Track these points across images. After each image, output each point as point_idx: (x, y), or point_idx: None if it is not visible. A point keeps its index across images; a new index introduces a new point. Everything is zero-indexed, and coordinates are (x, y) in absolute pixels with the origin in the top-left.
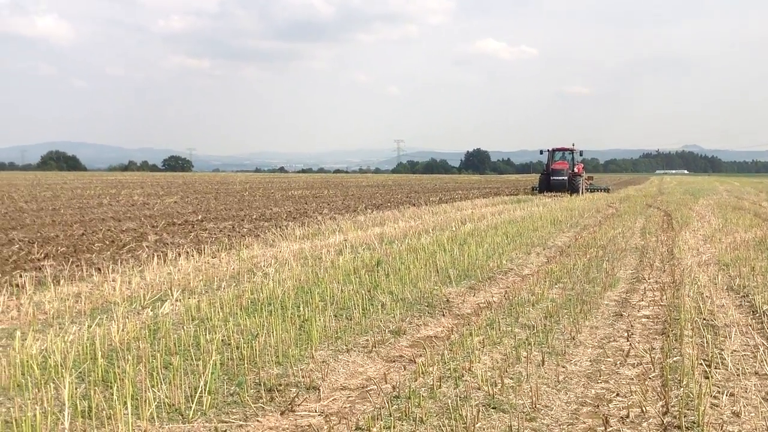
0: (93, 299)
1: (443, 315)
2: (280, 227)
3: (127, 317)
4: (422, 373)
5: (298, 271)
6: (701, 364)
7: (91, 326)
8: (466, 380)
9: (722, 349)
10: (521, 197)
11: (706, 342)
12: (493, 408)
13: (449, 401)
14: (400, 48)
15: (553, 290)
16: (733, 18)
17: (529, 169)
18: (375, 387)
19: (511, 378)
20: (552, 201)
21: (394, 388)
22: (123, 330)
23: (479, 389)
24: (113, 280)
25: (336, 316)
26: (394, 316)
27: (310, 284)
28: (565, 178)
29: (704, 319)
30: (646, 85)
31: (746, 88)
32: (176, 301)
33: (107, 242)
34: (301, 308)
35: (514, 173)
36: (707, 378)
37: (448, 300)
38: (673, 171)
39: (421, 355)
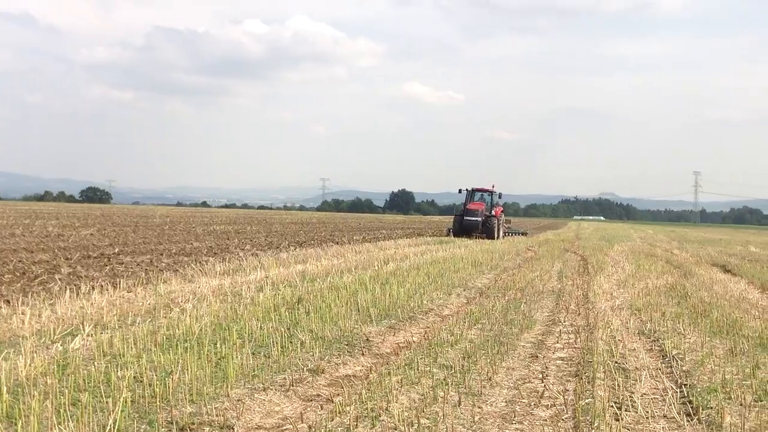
0: (0, 332)
1: (363, 354)
2: (200, 262)
3: (36, 351)
4: (339, 412)
5: (216, 307)
6: (612, 406)
7: None
8: (383, 420)
9: (632, 392)
10: (444, 238)
11: (618, 385)
12: None
13: None
14: (328, 88)
15: (471, 331)
16: (647, 75)
17: (452, 210)
18: (291, 426)
19: (428, 418)
20: (474, 243)
21: (310, 427)
22: (30, 365)
23: (395, 429)
24: (22, 313)
25: (254, 354)
26: (313, 355)
27: (229, 321)
28: (479, 219)
29: (616, 362)
30: (566, 133)
31: (659, 140)
32: (88, 336)
33: (18, 274)
34: (219, 345)
35: (437, 214)
36: (618, 420)
37: (368, 339)
38: (591, 217)
39: (338, 394)
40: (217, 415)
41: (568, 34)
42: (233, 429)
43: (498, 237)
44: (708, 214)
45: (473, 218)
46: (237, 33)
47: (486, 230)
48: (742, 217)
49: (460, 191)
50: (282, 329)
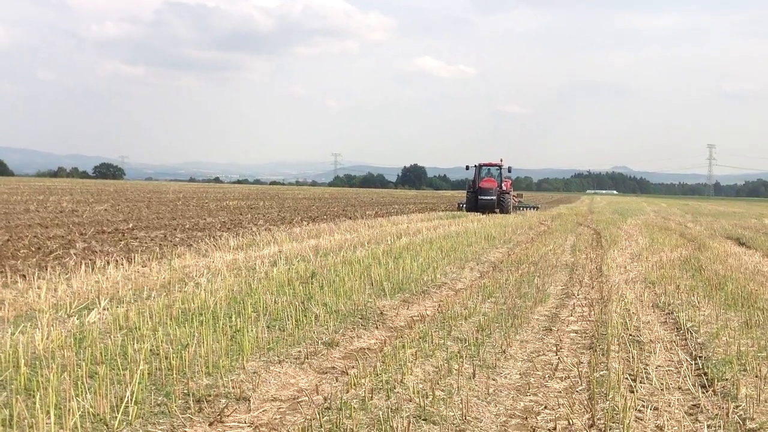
0: (17, 306)
1: (377, 327)
2: (213, 237)
3: (52, 325)
4: (354, 384)
5: (231, 281)
6: (627, 378)
7: (14, 333)
8: (397, 392)
9: (647, 365)
10: (456, 213)
11: (632, 357)
12: (423, 420)
13: (380, 413)
14: (339, 62)
15: (485, 304)
16: (661, 48)
17: (464, 185)
18: (306, 398)
19: (443, 390)
20: (486, 217)
21: (325, 399)
22: (47, 338)
23: (411, 401)
24: (38, 288)
25: (269, 327)
26: (328, 328)
27: (243, 295)
28: (494, 197)
29: (630, 334)
30: (579, 107)
31: (673, 113)
32: (104, 309)
33: (33, 249)
34: (233, 319)
35: (449, 189)
36: (632, 392)
37: (382, 312)
38: (604, 191)
39: (353, 367)
40: (233, 387)
41: (581, 7)
42: (249, 401)
43: (510, 212)
44: (722, 187)
45: (488, 197)
46: (247, 7)
47: (501, 207)
48: (757, 190)
49: (467, 168)
50: (296, 303)
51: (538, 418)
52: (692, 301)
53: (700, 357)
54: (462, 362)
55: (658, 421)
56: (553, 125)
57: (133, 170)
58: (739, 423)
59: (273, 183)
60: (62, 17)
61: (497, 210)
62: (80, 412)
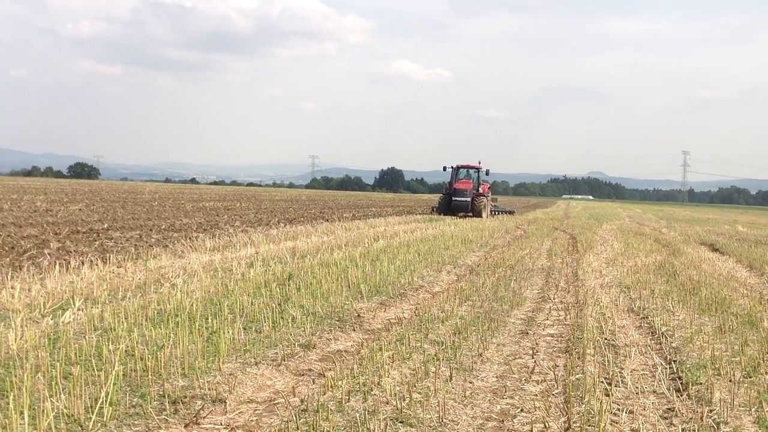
0: None
1: (354, 330)
2: (190, 238)
3: (26, 325)
4: (331, 386)
5: (207, 282)
6: (602, 382)
7: None
8: (374, 394)
9: (622, 368)
10: (434, 216)
11: (608, 361)
12: (400, 422)
13: (357, 415)
14: (317, 64)
15: (462, 307)
16: (638, 54)
17: (442, 189)
18: (283, 400)
19: (420, 393)
20: (463, 221)
21: (302, 401)
22: (21, 338)
23: (387, 403)
24: (12, 287)
25: (245, 329)
26: (305, 330)
27: (220, 296)
28: (468, 199)
29: (606, 338)
30: (556, 112)
31: (648, 119)
32: (78, 310)
33: (7, 248)
34: (210, 320)
35: (427, 192)
36: (608, 396)
37: (359, 315)
38: (579, 196)
39: (330, 369)
40: (209, 389)
41: (559, 13)
42: (225, 402)
43: (484, 216)
44: (696, 193)
45: (462, 198)
46: (225, 8)
47: (474, 210)
48: (730, 196)
49: (444, 169)
50: (273, 305)
51: (515, 420)
52: (667, 305)
53: (674, 361)
54: (439, 365)
55: (633, 425)
56: (531, 130)
57: (109, 170)
58: (713, 427)
59: (250, 184)
60: (37, 14)
61: (470, 213)
62: (54, 413)
